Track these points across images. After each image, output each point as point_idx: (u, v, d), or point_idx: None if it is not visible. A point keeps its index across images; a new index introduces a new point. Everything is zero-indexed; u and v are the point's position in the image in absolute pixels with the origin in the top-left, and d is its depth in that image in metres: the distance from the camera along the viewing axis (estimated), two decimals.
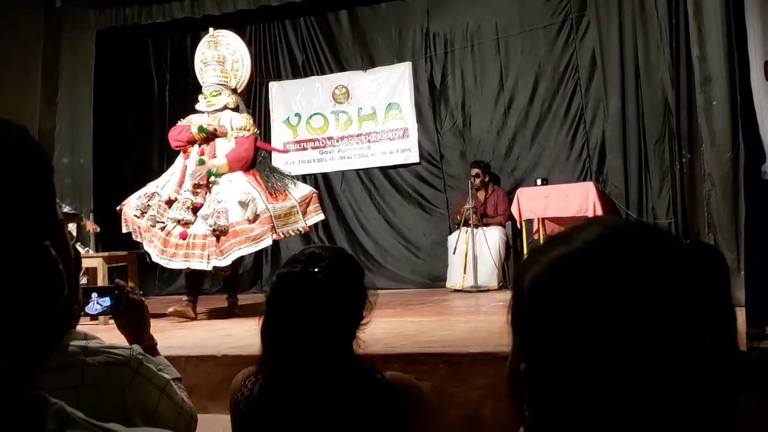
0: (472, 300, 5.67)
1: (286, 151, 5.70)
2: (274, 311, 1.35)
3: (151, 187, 5.26)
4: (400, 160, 7.43)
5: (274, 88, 7.90)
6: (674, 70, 5.47)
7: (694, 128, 5.15)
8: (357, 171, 7.62)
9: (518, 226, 6.18)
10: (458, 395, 2.87)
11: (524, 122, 6.96)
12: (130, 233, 5.21)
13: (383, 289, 6.60)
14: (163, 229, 4.97)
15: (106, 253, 5.47)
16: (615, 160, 6.35)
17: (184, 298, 5.21)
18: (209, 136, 5.26)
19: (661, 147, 5.98)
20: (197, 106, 5.46)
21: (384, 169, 7.53)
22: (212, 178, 5.12)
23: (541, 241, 5.82)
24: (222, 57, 5.57)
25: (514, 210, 6.10)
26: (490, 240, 6.20)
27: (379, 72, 7.54)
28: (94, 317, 4.42)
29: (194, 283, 5.27)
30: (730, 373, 0.59)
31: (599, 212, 5.59)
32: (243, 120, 5.38)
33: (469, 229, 6.20)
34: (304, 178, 7.79)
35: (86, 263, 4.99)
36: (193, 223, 4.96)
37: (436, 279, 6.84)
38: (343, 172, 7.67)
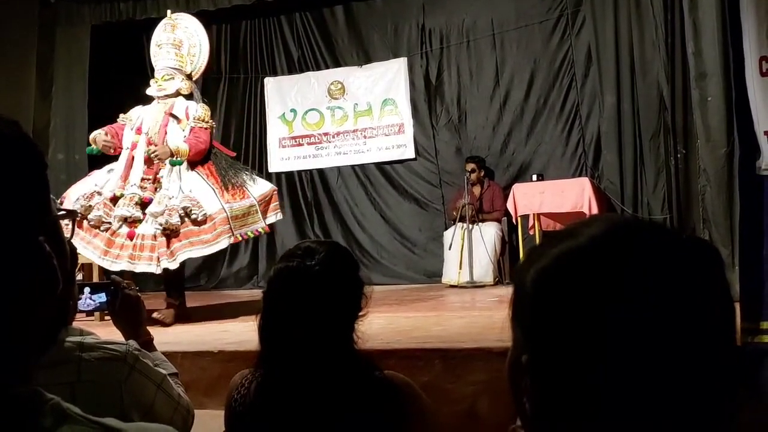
0: (468, 295, 5.68)
1: (233, 154, 5.31)
2: (272, 306, 1.35)
3: (88, 185, 4.79)
4: (395, 156, 7.44)
5: (270, 83, 7.89)
6: (669, 65, 5.48)
7: (689, 124, 5.15)
8: (353, 167, 7.62)
9: (514, 221, 6.19)
10: (453, 391, 2.87)
11: (520, 118, 6.96)
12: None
13: (379, 284, 6.61)
14: (107, 229, 4.56)
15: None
16: (610, 156, 6.36)
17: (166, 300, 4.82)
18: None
19: (656, 143, 5.99)
20: (148, 91, 5.07)
21: (380, 165, 7.53)
22: (164, 170, 4.72)
23: (537, 236, 5.84)
24: (178, 41, 5.16)
25: (509, 205, 6.11)
26: (486, 236, 6.21)
27: (374, 68, 7.54)
28: (89, 313, 4.42)
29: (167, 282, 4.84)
30: (730, 367, 0.59)
31: (594, 208, 5.60)
32: (201, 110, 4.96)
33: (465, 225, 6.21)
34: (300, 174, 7.81)
35: (82, 259, 4.97)
36: (141, 221, 4.57)
37: (431, 274, 6.85)
38: (338, 168, 7.68)
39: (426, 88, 7.34)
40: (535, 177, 6.40)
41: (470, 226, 6.19)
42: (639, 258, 0.60)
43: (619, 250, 0.61)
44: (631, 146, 6.23)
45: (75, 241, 4.39)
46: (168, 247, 4.47)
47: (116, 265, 4.46)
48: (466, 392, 2.85)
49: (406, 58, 7.40)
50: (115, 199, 4.65)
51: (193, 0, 7.01)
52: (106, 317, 4.43)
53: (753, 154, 2.97)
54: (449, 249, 6.34)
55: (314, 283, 1.32)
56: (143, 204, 4.61)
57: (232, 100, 7.92)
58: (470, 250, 6.13)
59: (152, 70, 5.31)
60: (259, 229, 4.94)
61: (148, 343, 1.65)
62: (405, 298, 5.64)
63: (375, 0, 7.57)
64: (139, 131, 4.90)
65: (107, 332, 1.58)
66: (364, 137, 7.56)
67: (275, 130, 7.86)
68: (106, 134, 4.89)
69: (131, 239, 4.52)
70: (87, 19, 7.10)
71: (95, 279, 4.94)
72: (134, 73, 7.82)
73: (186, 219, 4.51)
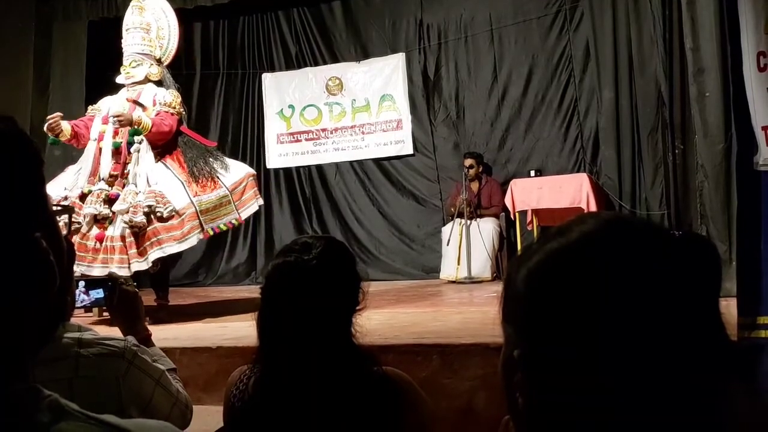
0: (466, 291, 5.69)
1: (213, 144, 5.09)
2: (271, 301, 1.35)
3: (58, 190, 4.57)
4: (393, 152, 7.43)
5: (268, 79, 7.88)
6: (667, 61, 5.48)
7: (687, 119, 5.15)
8: (351, 163, 7.62)
9: (512, 217, 6.20)
10: (451, 386, 2.88)
11: (518, 114, 6.96)
12: None
13: (377, 280, 6.62)
14: (78, 231, 4.37)
15: None
16: (608, 152, 6.36)
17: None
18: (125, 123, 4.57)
19: (654, 138, 5.99)
20: (117, 79, 4.84)
21: (378, 161, 7.53)
22: (131, 164, 4.54)
23: (535, 232, 5.84)
24: (146, 24, 4.89)
25: (507, 201, 6.12)
26: (484, 231, 6.21)
27: (372, 63, 7.53)
28: (88, 309, 4.42)
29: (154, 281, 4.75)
30: (721, 363, 0.60)
31: (593, 203, 5.61)
32: (170, 96, 4.74)
33: (463, 221, 6.21)
34: (298, 170, 7.80)
35: None
36: (110, 221, 4.39)
37: (429, 270, 6.86)
38: (337, 164, 7.67)
39: (424, 84, 7.34)
40: (533, 173, 6.41)
41: (468, 221, 6.19)
42: (629, 254, 0.61)
43: (610, 246, 0.62)
44: (629, 142, 6.23)
45: None
46: (138, 247, 4.32)
47: (90, 270, 4.26)
48: (463, 387, 2.86)
49: (404, 54, 7.39)
50: (84, 196, 4.50)
51: None
52: (105, 313, 4.44)
53: (750, 150, 2.97)
54: (447, 245, 6.34)
55: (312, 278, 1.32)
56: (111, 201, 4.44)
57: (230, 96, 7.91)
58: (468, 245, 6.14)
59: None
60: (233, 221, 4.70)
61: (146, 339, 1.65)
62: (403, 293, 5.64)
63: None
64: (105, 121, 4.70)
65: (107, 330, 1.58)
66: (362, 133, 7.56)
67: (273, 126, 7.85)
68: (69, 124, 4.65)
69: (101, 242, 4.35)
70: (84, 14, 7.08)
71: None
72: None
73: (152, 217, 4.35)
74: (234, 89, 7.93)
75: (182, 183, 4.52)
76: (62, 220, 4.21)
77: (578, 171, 6.49)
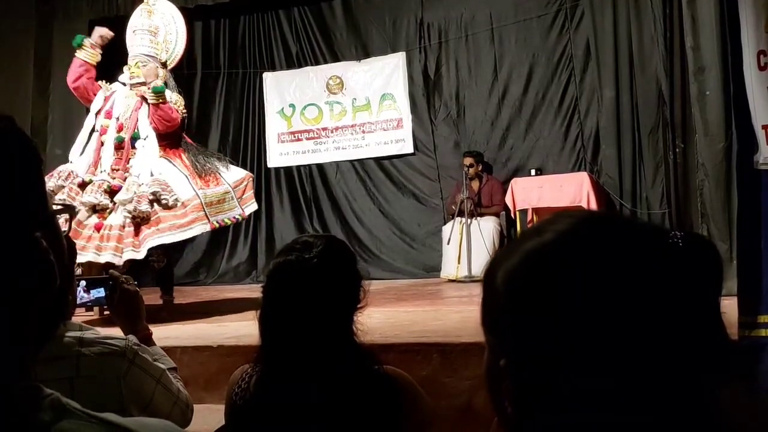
0: (466, 290, 5.69)
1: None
2: (272, 300, 1.35)
3: (67, 165, 4.62)
4: (394, 151, 7.43)
5: (268, 78, 7.87)
6: (668, 60, 5.48)
7: (688, 118, 5.15)
8: (351, 162, 7.62)
9: (512, 216, 6.20)
10: (451, 384, 2.88)
11: (518, 113, 6.96)
12: None
13: (377, 279, 6.62)
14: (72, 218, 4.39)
15: None
16: (609, 151, 6.36)
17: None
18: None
19: (655, 137, 5.99)
20: (120, 78, 4.87)
21: (378, 160, 7.53)
22: (134, 158, 4.54)
23: None
24: (155, 27, 4.94)
25: (508, 200, 6.12)
26: (485, 230, 6.21)
27: (373, 62, 7.53)
28: (88, 308, 4.42)
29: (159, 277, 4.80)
30: (713, 363, 0.59)
31: (593, 202, 5.61)
32: (175, 96, 4.79)
33: (464, 220, 6.21)
34: (299, 169, 7.81)
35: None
36: (110, 211, 4.38)
37: (430, 269, 6.85)
38: (337, 163, 7.67)
39: (424, 83, 7.33)
40: (533, 172, 6.41)
41: (469, 220, 6.19)
42: (605, 250, 0.60)
43: (587, 245, 0.60)
44: (629, 141, 6.23)
45: None
46: (137, 236, 4.28)
47: (82, 256, 4.18)
48: (463, 386, 2.86)
49: (404, 53, 7.39)
50: (83, 185, 4.48)
51: None
52: (106, 312, 4.43)
53: (751, 149, 2.97)
54: (447, 244, 6.34)
55: (313, 276, 1.32)
56: (112, 192, 4.42)
57: (231, 96, 7.91)
58: (469, 244, 6.14)
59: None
60: (237, 216, 4.76)
61: (147, 338, 1.66)
62: (403, 292, 5.65)
63: None
64: (109, 115, 4.71)
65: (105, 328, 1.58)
66: (363, 132, 7.55)
67: (274, 126, 7.85)
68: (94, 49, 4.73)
69: (98, 231, 4.32)
70: (85, 14, 7.07)
71: (94, 274, 4.94)
72: None
73: (156, 205, 4.34)
74: (235, 88, 7.92)
75: (186, 177, 4.54)
76: (62, 218, 4.20)
77: (579, 170, 6.48)
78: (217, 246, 7.54)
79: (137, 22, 4.98)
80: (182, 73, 6.52)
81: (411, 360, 2.87)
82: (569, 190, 5.80)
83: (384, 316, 3.94)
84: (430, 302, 5.08)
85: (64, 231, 0.68)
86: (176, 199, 4.39)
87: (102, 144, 4.65)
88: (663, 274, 0.58)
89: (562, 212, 0.66)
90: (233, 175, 4.84)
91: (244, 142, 7.83)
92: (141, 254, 4.30)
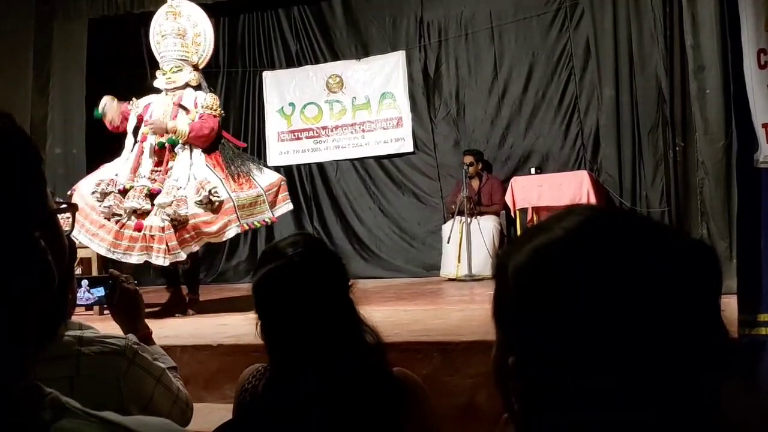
0: (466, 289, 5.69)
1: (242, 144, 5.32)
2: (266, 314, 1.35)
3: (109, 172, 4.78)
4: (394, 150, 7.43)
5: (268, 77, 7.87)
6: (668, 58, 5.48)
7: (688, 117, 5.16)
8: (351, 160, 7.62)
9: (512, 215, 6.20)
10: (452, 383, 2.88)
11: (518, 111, 6.96)
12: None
13: (377, 278, 6.62)
14: (117, 221, 4.51)
15: None
16: (609, 149, 6.36)
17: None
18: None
19: (655, 136, 5.99)
20: (155, 83, 4.99)
21: (378, 159, 7.53)
22: (173, 161, 4.73)
23: None
24: (182, 29, 5.05)
25: (508, 199, 6.12)
26: (485, 229, 6.21)
27: (372, 61, 7.52)
28: (89, 307, 4.42)
29: (168, 272, 4.89)
30: (715, 361, 0.59)
31: (593, 201, 5.61)
32: (210, 99, 4.94)
33: (464, 218, 6.21)
34: (299, 168, 7.80)
35: (80, 254, 4.97)
36: (149, 213, 4.54)
37: (430, 268, 6.85)
38: (337, 162, 7.67)
39: (424, 82, 7.33)
40: (533, 170, 6.41)
41: (469, 219, 6.19)
42: (613, 249, 0.60)
43: (595, 242, 0.60)
44: (629, 139, 6.23)
45: (80, 235, 4.40)
46: (178, 239, 4.46)
47: (127, 258, 4.47)
48: (464, 385, 2.86)
49: (404, 52, 7.38)
50: (124, 192, 4.64)
51: None
52: (106, 311, 4.44)
53: (751, 147, 2.97)
54: (447, 242, 6.35)
55: (296, 275, 1.32)
56: (152, 195, 4.59)
57: (231, 94, 7.89)
58: (468, 243, 6.14)
59: (152, 61, 5.23)
60: (266, 219, 4.88)
61: (146, 337, 1.65)
62: (403, 291, 5.65)
63: None
64: (146, 123, 4.87)
65: (106, 326, 1.58)
66: (363, 131, 7.55)
67: (274, 124, 7.85)
68: (118, 107, 4.89)
69: (139, 231, 4.48)
70: (84, 12, 7.07)
71: (94, 273, 4.95)
72: (132, 66, 7.82)
73: (202, 205, 4.50)
74: (234, 87, 7.92)
75: (221, 180, 4.68)
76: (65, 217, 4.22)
77: (579, 168, 6.48)
78: (216, 245, 7.53)
79: (165, 26, 5.08)
80: None
81: (412, 359, 2.87)
82: (569, 188, 5.80)
83: (384, 315, 3.93)
84: (431, 301, 5.08)
85: (66, 231, 0.67)
86: (220, 201, 4.56)
87: (142, 151, 4.82)
88: (666, 274, 0.59)
89: (573, 208, 0.66)
90: (266, 178, 4.97)
91: (243, 140, 7.79)
92: (183, 256, 4.52)
